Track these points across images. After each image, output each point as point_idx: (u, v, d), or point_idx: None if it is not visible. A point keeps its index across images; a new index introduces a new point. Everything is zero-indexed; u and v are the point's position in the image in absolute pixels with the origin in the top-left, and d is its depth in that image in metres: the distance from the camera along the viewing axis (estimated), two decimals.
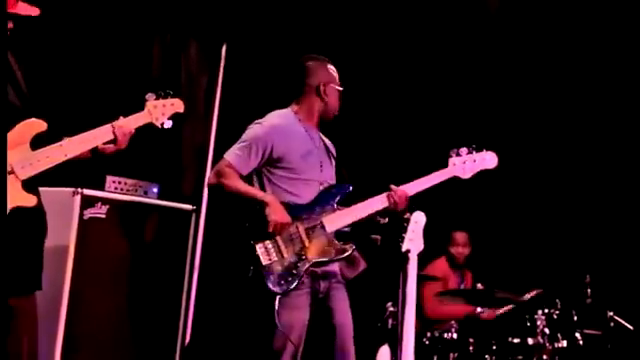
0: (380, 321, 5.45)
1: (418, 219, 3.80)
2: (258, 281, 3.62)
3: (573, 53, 6.30)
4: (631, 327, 5.44)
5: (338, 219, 3.80)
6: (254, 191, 3.76)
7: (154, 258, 4.75)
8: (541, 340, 5.30)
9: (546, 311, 5.37)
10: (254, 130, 3.83)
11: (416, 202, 3.91)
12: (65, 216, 4.37)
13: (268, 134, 3.79)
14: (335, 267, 3.88)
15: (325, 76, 3.97)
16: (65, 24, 5.06)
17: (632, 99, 6.22)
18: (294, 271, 3.66)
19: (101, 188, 4.62)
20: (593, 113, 6.34)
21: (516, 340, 5.35)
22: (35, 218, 3.43)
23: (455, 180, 4.03)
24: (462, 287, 6.16)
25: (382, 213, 3.90)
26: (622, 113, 6.27)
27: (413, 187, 3.89)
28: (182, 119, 3.90)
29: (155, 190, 4.90)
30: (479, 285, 5.57)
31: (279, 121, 3.87)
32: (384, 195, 3.85)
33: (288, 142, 3.81)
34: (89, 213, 4.48)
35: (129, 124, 3.51)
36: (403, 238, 3.75)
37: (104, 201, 4.54)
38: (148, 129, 3.64)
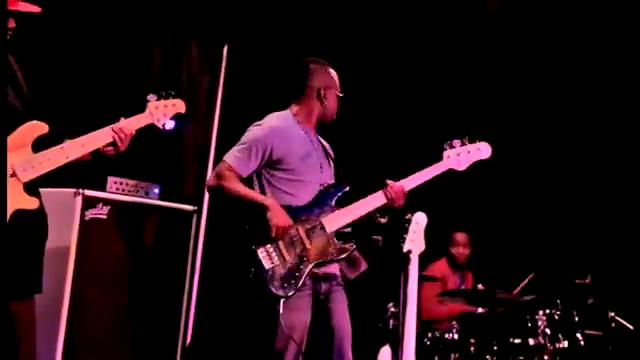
0: (381, 321, 5.45)
1: (419, 220, 3.81)
2: (259, 283, 3.62)
3: (573, 53, 6.30)
4: (632, 327, 5.44)
5: (337, 219, 3.80)
6: (254, 194, 3.76)
7: (155, 259, 4.75)
8: (542, 340, 5.31)
9: (547, 311, 5.37)
10: (253, 132, 3.83)
11: (416, 203, 3.92)
12: (66, 217, 4.37)
13: (267, 136, 3.79)
14: (336, 269, 3.89)
15: (326, 80, 3.98)
16: (66, 25, 5.06)
17: (632, 100, 6.22)
18: (297, 273, 3.66)
19: (102, 189, 4.62)
20: (594, 113, 6.34)
21: (517, 340, 5.36)
22: (36, 221, 3.42)
23: (454, 180, 4.04)
24: (463, 288, 6.16)
25: (382, 211, 3.91)
26: (622, 114, 6.27)
27: (410, 182, 3.89)
28: (184, 120, 3.90)
29: (156, 191, 4.90)
30: (480, 286, 5.57)
31: (278, 123, 3.87)
32: (381, 192, 3.86)
33: (287, 144, 3.81)
34: (90, 214, 4.48)
35: (130, 125, 3.51)
36: (404, 239, 3.76)
37: (105, 202, 4.54)
38: (149, 130, 3.64)
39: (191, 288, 5.13)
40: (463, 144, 3.99)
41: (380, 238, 4.13)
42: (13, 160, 3.26)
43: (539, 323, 5.34)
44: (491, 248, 6.35)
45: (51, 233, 3.55)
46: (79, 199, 4.43)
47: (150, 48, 5.73)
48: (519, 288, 5.57)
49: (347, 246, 3.80)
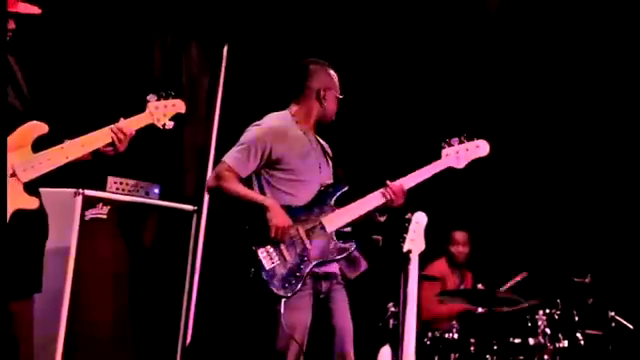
0: (381, 321, 5.45)
1: (419, 219, 3.82)
2: (260, 283, 3.62)
3: (572, 53, 6.30)
4: (632, 327, 5.44)
5: (337, 219, 3.81)
6: (254, 194, 3.76)
7: (155, 259, 4.75)
8: (542, 340, 5.31)
9: (547, 311, 5.37)
10: (252, 132, 3.84)
11: (415, 202, 3.92)
12: (66, 217, 4.37)
13: (266, 136, 3.79)
14: (336, 268, 3.89)
15: (326, 81, 3.98)
16: (66, 26, 5.06)
17: (631, 100, 6.22)
18: (297, 273, 3.67)
19: (102, 189, 4.62)
20: (593, 113, 6.34)
21: (517, 340, 5.36)
22: (36, 221, 3.42)
23: (453, 178, 4.04)
24: (462, 287, 6.16)
25: (381, 210, 3.92)
26: (622, 113, 6.28)
27: (409, 180, 3.90)
28: (183, 120, 3.90)
29: (156, 191, 4.90)
30: (480, 285, 5.58)
31: (277, 123, 3.88)
32: (379, 191, 3.86)
33: (286, 144, 3.82)
34: (90, 214, 4.48)
35: (130, 125, 3.51)
36: (404, 238, 3.77)
37: (105, 202, 4.54)
38: (149, 130, 3.64)
39: (191, 288, 5.13)
40: (461, 142, 4.00)
41: (380, 238, 4.14)
42: (13, 160, 3.26)
43: (539, 323, 5.34)
44: (490, 247, 6.35)
45: (51, 233, 3.54)
46: (79, 199, 4.43)
47: (150, 48, 5.73)
48: (508, 285, 5.56)
49: (347, 246, 3.81)
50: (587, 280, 5.54)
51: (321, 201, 3.83)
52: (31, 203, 3.32)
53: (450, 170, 3.98)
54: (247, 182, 3.80)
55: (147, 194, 4.84)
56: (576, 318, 5.44)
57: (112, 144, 3.46)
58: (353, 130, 5.87)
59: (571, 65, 6.33)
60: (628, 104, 6.25)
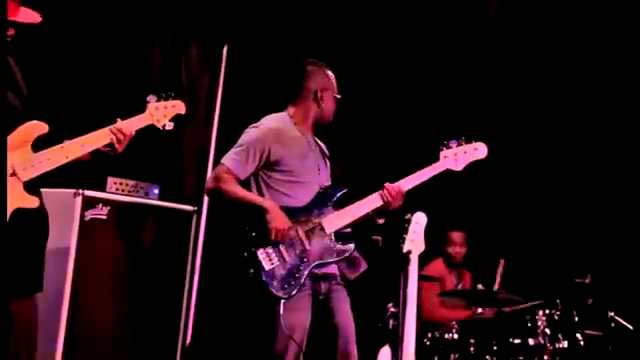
0: (381, 322, 5.46)
1: (419, 220, 3.82)
2: (259, 284, 3.62)
3: (572, 53, 6.30)
4: (632, 327, 5.44)
5: (336, 220, 3.81)
6: (253, 196, 3.76)
7: (155, 259, 4.76)
8: (542, 340, 5.31)
9: (547, 311, 5.37)
10: (250, 134, 3.84)
11: (412, 203, 3.93)
12: (66, 217, 4.38)
13: (265, 137, 3.79)
14: (335, 269, 3.89)
15: (324, 82, 3.98)
16: (66, 26, 5.06)
17: (631, 100, 6.22)
18: (296, 274, 3.67)
19: (102, 189, 4.62)
20: (592, 113, 6.34)
21: (517, 341, 5.36)
22: (37, 220, 3.43)
23: (451, 180, 4.04)
24: (460, 287, 6.16)
25: (380, 212, 3.92)
26: (621, 113, 6.27)
27: (407, 182, 3.91)
28: (183, 120, 3.90)
29: (156, 191, 4.90)
30: (479, 286, 5.57)
31: (275, 124, 3.88)
32: (377, 193, 3.86)
33: (285, 145, 3.82)
34: (90, 214, 4.48)
35: (130, 126, 3.51)
36: (404, 239, 3.77)
37: (105, 202, 4.55)
38: (149, 130, 3.64)
39: (191, 288, 5.13)
40: (460, 144, 4.00)
41: (380, 238, 4.14)
42: (13, 159, 3.26)
43: (539, 323, 5.34)
44: (488, 247, 6.35)
45: (51, 233, 3.54)
46: (79, 199, 4.43)
47: (150, 49, 5.73)
48: (498, 281, 5.56)
49: (347, 247, 3.81)
50: (587, 280, 5.54)
51: (320, 202, 3.83)
52: (31, 202, 3.33)
53: (448, 172, 3.98)
54: (245, 183, 3.80)
55: (147, 194, 4.85)
56: (576, 318, 5.44)
57: (111, 145, 3.46)
58: (351, 131, 5.87)
59: (570, 66, 6.33)
60: (628, 104, 6.25)
